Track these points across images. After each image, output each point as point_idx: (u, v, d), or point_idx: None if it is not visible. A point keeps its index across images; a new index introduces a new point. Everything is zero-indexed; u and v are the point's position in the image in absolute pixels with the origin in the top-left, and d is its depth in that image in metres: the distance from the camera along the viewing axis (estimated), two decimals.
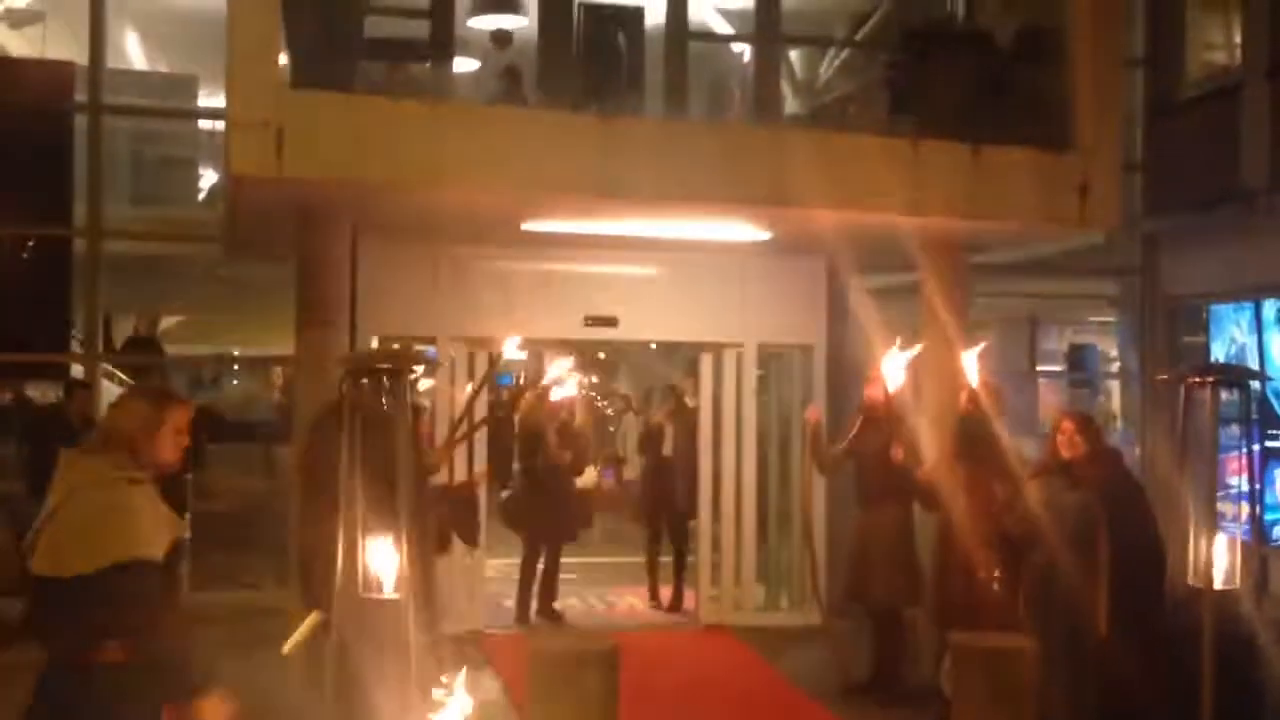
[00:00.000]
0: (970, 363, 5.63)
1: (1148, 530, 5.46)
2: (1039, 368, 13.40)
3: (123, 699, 3.54)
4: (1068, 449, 5.57)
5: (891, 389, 6.74)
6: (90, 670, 3.50)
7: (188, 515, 9.25)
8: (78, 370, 9.57)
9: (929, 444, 6.72)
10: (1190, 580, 4.95)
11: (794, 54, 11.62)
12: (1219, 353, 10.18)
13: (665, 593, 10.27)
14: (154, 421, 3.64)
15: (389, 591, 4.33)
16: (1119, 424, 11.72)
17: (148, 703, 3.63)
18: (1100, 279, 11.51)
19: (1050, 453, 5.68)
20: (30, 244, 9.54)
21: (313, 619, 4.60)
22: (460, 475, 8.31)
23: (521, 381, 15.88)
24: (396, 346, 8.49)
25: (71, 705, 3.51)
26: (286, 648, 4.73)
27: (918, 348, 6.70)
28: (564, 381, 9.58)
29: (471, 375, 9.35)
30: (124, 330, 11.77)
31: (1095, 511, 5.34)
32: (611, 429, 16.77)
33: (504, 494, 9.65)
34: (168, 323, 14.15)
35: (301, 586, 5.23)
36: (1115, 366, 12.37)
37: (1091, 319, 13.71)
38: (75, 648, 3.51)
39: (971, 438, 6.19)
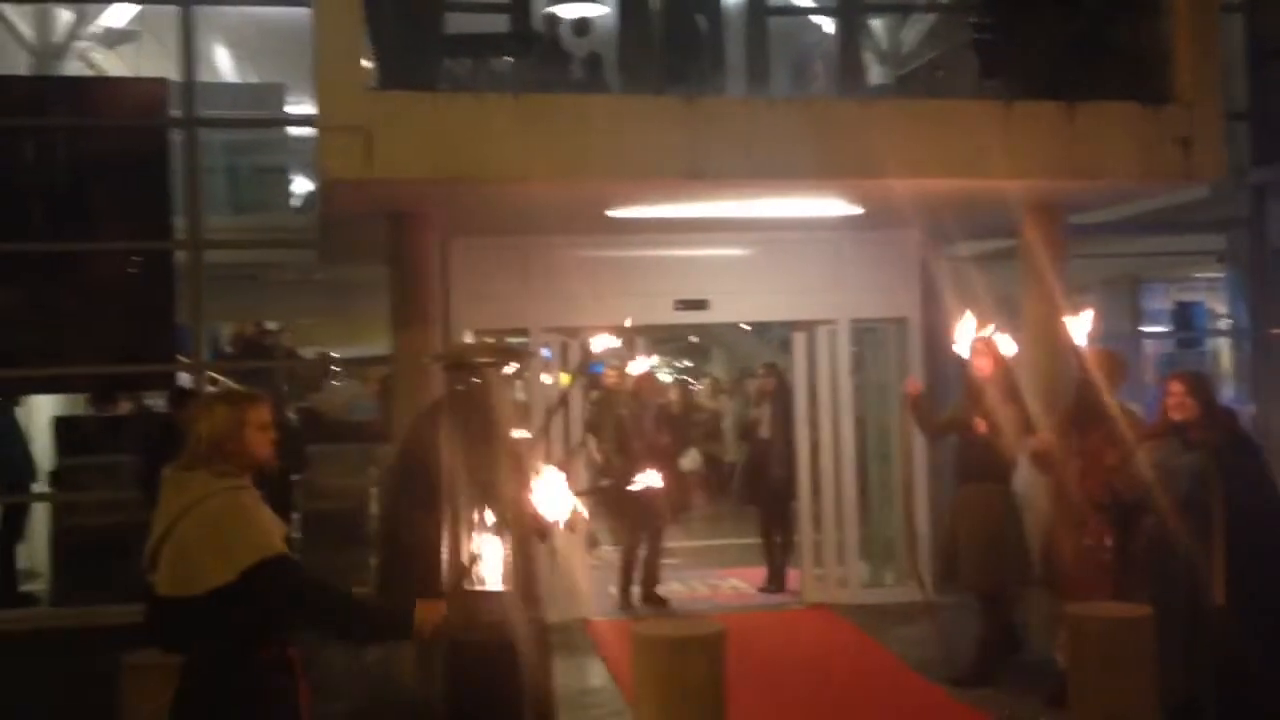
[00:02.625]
0: (1077, 327, 5.49)
1: (1266, 492, 5.29)
2: (1143, 328, 13.03)
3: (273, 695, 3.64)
4: (1178, 411, 5.41)
5: (982, 362, 6.61)
6: (235, 682, 3.58)
7: (296, 516, 9.45)
8: (185, 379, 9.82)
9: (1040, 410, 6.57)
10: None
11: (876, 22, 11.42)
12: None
13: (762, 573, 10.25)
14: (236, 423, 3.67)
15: (494, 583, 4.38)
16: (1231, 383, 11.35)
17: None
18: (1206, 234, 11.14)
19: (1161, 415, 5.52)
20: (135, 258, 9.80)
21: None
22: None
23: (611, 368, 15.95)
24: (490, 340, 8.60)
25: (230, 702, 3.59)
26: None
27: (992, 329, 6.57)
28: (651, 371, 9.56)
29: (565, 364, 9.43)
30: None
31: (1209, 474, 5.19)
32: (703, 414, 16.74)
33: (603, 481, 9.67)
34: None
35: (380, 581, 5.27)
36: (1224, 324, 11.98)
37: (1198, 275, 13.30)
38: (223, 658, 3.59)
39: (1087, 403, 6.03)
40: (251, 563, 3.51)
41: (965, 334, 6.66)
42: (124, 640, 5.11)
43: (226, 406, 3.73)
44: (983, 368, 6.89)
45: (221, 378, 10.47)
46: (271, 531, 3.62)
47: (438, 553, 4.43)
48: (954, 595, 7.86)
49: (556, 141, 7.03)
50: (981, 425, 6.78)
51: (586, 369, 7.84)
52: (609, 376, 10.45)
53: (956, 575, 7.32)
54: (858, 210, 8.51)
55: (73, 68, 10.97)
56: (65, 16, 10.90)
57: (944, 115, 7.63)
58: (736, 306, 9.81)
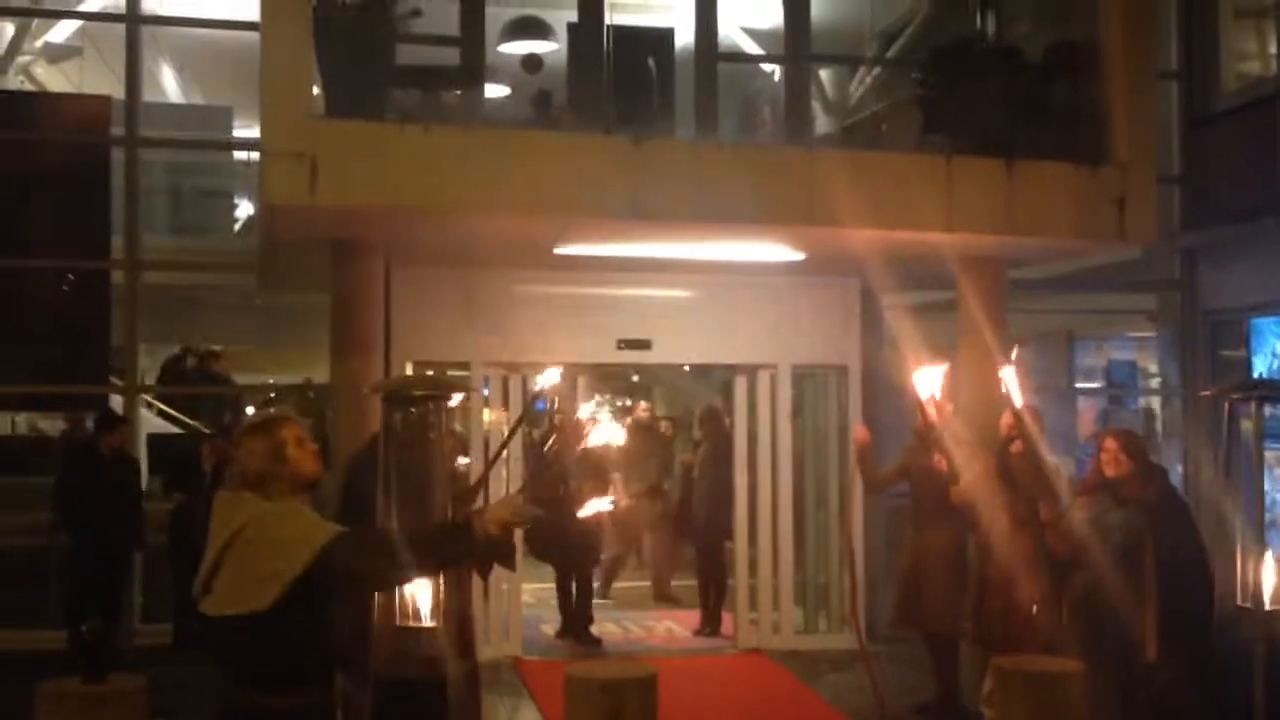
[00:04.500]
0: (1012, 381, 5.56)
1: (1195, 549, 5.37)
2: (1076, 384, 13.26)
3: None
4: (1112, 467, 5.48)
5: (934, 407, 6.64)
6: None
7: None
8: (116, 402, 9.64)
9: (968, 462, 6.64)
10: (1239, 600, 4.86)
11: (824, 73, 11.59)
12: (1260, 367, 10.02)
13: (697, 616, 10.23)
14: (276, 447, 3.63)
15: (426, 619, 4.31)
16: (1159, 441, 11.56)
17: None
18: (1139, 294, 11.38)
19: (1095, 471, 5.60)
20: (70, 276, 9.65)
21: None
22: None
23: (554, 407, 15.89)
24: (430, 373, 8.53)
25: None
26: None
27: (945, 365, 6.61)
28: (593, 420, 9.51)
29: (505, 400, 9.38)
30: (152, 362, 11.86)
31: (1142, 530, 5.26)
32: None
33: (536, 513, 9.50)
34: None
35: None
36: (1154, 382, 12.23)
37: (1130, 334, 13.58)
38: (276, 676, 3.51)
39: (1013, 460, 6.11)
40: (308, 564, 3.42)
41: (929, 381, 6.61)
42: (38, 667, 4.96)
43: (260, 436, 3.66)
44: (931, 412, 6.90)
45: (155, 401, 10.30)
46: (318, 524, 3.56)
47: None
48: (899, 640, 7.90)
49: (503, 176, 7.03)
50: (941, 463, 6.81)
51: (531, 407, 7.80)
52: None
53: (917, 618, 7.36)
54: (799, 256, 8.59)
55: (14, 82, 10.82)
56: (8, 30, 10.76)
57: (887, 167, 7.75)
58: (679, 348, 9.82)
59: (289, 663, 3.51)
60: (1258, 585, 4.67)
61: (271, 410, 5.19)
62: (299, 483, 3.66)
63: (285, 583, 3.41)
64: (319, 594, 3.47)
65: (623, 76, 7.76)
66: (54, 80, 11.74)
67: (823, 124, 11.33)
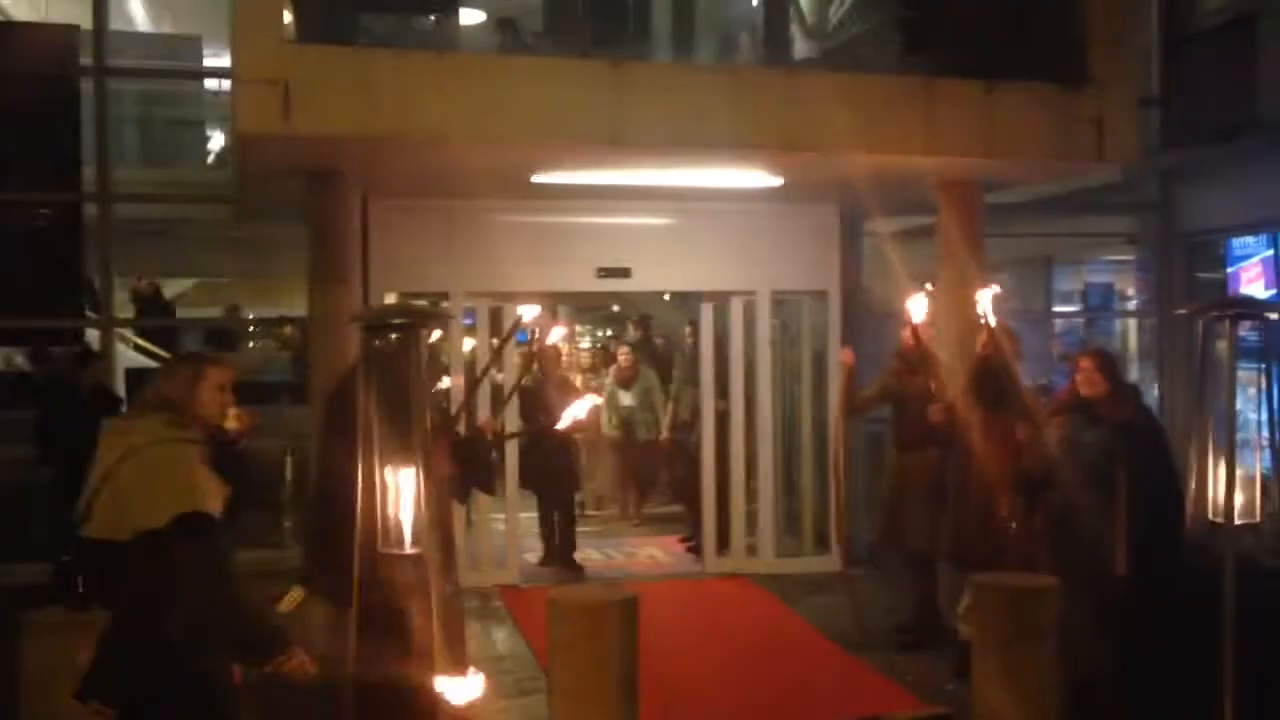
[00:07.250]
0: (987, 303, 5.58)
1: (1167, 467, 5.44)
2: (1055, 308, 13.30)
3: (190, 665, 3.56)
4: (1087, 387, 5.54)
5: (921, 330, 6.67)
6: (156, 640, 3.51)
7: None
8: (92, 336, 9.58)
9: (947, 383, 6.69)
10: (1210, 516, 4.93)
11: None
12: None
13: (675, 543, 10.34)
14: (194, 381, 3.71)
15: (409, 546, 4.34)
16: (1135, 362, 11.64)
17: (217, 667, 3.67)
18: (1117, 216, 11.38)
19: (1069, 391, 5.65)
20: (41, 209, 9.52)
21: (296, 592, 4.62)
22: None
23: (536, 336, 15.87)
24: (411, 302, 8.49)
25: (138, 671, 3.52)
26: (282, 607, 4.79)
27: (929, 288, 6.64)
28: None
29: (486, 331, 9.37)
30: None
31: (1115, 449, 5.33)
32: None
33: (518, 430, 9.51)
34: (182, 286, 14.16)
35: (309, 550, 5.25)
36: (1132, 305, 12.28)
37: (1108, 258, 13.59)
38: (142, 612, 3.51)
39: (989, 379, 6.15)
40: (182, 511, 3.45)
41: (919, 306, 6.60)
42: (23, 599, 4.99)
43: (187, 365, 3.79)
44: (923, 335, 6.92)
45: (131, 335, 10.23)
46: (209, 490, 3.56)
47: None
48: (879, 562, 8.02)
49: (479, 102, 6.94)
50: (926, 384, 6.82)
51: (514, 337, 7.77)
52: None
53: (898, 538, 7.45)
54: (777, 181, 8.55)
55: None
56: None
57: (866, 89, 7.68)
58: (659, 275, 9.81)
59: (147, 598, 3.51)
60: (1229, 502, 4.74)
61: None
62: (201, 422, 3.70)
63: (137, 529, 3.45)
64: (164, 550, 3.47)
65: None
66: (20, 9, 11.51)
67: (802, 49, 11.20)
